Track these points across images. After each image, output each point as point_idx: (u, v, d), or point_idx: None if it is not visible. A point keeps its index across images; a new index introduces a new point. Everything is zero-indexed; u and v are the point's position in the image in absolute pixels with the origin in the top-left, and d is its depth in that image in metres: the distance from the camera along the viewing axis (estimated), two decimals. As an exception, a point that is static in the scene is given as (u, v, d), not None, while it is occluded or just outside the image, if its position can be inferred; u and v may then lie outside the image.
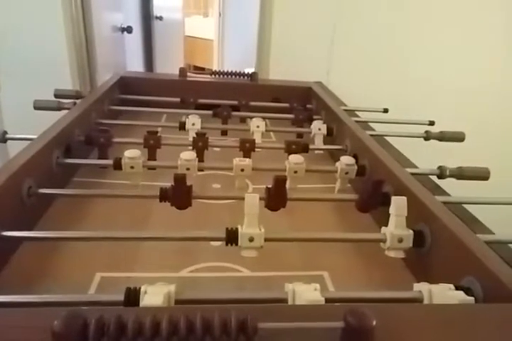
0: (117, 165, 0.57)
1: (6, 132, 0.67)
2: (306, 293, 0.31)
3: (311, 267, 0.45)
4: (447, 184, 0.63)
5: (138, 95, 0.94)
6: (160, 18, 2.77)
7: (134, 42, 2.44)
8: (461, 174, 0.60)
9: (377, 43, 1.67)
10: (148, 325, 0.23)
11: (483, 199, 0.53)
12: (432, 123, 0.86)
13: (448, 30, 1.40)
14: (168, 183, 0.48)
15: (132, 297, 0.31)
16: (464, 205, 0.53)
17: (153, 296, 0.30)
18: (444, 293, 0.32)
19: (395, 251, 0.42)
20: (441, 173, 0.60)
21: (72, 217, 0.52)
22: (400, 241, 0.42)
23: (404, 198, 0.43)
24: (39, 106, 0.80)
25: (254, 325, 0.24)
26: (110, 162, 0.58)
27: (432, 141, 0.78)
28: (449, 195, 0.57)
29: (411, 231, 0.42)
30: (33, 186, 0.49)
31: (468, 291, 0.33)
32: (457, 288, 0.33)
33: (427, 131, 0.78)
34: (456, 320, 0.27)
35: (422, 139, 0.78)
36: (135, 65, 2.48)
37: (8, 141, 0.67)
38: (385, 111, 0.95)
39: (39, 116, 0.83)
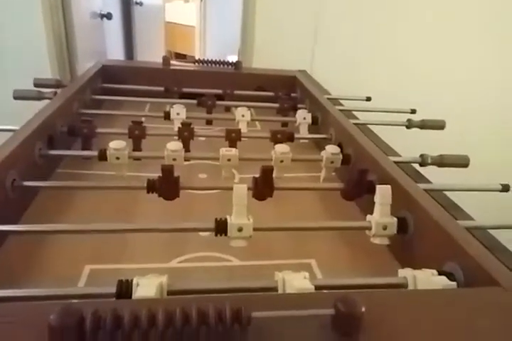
0: (102, 157, 0.56)
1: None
2: (296, 281, 0.32)
3: (299, 255, 0.46)
4: (429, 171, 0.65)
5: (121, 84, 0.93)
6: (140, 4, 2.71)
7: (113, 28, 2.39)
8: (442, 162, 0.61)
9: (361, 31, 1.67)
10: (144, 317, 0.23)
11: (464, 186, 0.55)
12: (413, 111, 0.87)
13: (434, 16, 1.41)
14: (154, 174, 0.48)
15: (124, 289, 0.31)
16: (445, 192, 0.55)
17: (146, 288, 0.30)
18: (427, 279, 0.33)
19: (380, 238, 0.43)
20: (423, 161, 0.62)
21: (57, 209, 0.52)
22: (385, 228, 0.43)
23: (389, 187, 0.44)
24: (19, 95, 0.78)
25: (248, 315, 0.24)
26: (94, 153, 0.57)
27: (413, 129, 0.79)
28: (430, 182, 0.59)
29: (395, 219, 0.43)
30: (17, 179, 0.48)
31: (450, 276, 0.34)
32: (440, 274, 0.34)
33: (409, 120, 0.80)
34: (440, 304, 0.29)
35: (404, 127, 0.80)
36: (115, 52, 2.43)
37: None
38: (368, 99, 0.96)
39: (19, 106, 0.81)
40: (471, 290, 0.32)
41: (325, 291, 0.32)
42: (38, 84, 0.84)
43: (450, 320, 0.27)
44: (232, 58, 1.08)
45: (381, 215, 0.43)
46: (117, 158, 0.57)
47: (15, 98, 0.78)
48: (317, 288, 0.32)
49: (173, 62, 1.01)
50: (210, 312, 0.24)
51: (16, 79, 0.92)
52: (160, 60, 1.01)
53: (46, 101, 0.70)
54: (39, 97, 0.77)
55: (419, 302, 0.28)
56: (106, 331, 0.23)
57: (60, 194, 0.55)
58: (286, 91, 0.94)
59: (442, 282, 0.33)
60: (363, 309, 0.25)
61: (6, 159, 0.47)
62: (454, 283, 0.33)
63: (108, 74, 0.95)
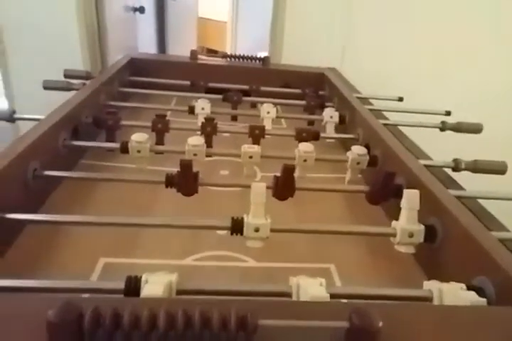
0: (124, 149, 0.56)
1: (14, 111, 0.67)
2: (311, 288, 0.30)
3: (317, 259, 0.44)
4: (462, 177, 0.61)
5: (148, 77, 0.93)
6: (173, -1, 2.72)
7: (146, 22, 2.41)
8: (477, 167, 0.58)
9: (395, 29, 1.62)
10: (145, 318, 0.22)
11: (500, 194, 0.51)
12: (448, 113, 0.83)
13: (471, 18, 1.35)
14: (175, 169, 0.47)
15: (133, 286, 0.30)
16: (480, 201, 0.51)
17: (154, 286, 0.29)
18: (455, 293, 0.31)
19: (405, 246, 0.41)
20: (456, 166, 0.58)
21: (77, 201, 0.52)
22: (411, 236, 0.40)
23: (417, 191, 0.41)
24: (48, 86, 0.79)
25: (254, 322, 0.23)
26: (117, 145, 0.57)
27: (447, 131, 0.75)
28: (463, 188, 0.55)
29: (422, 226, 0.40)
30: (39, 168, 0.48)
31: (480, 292, 0.32)
32: (469, 288, 0.32)
33: (443, 122, 0.76)
34: (468, 323, 0.26)
35: (437, 130, 0.76)
36: (147, 46, 2.45)
37: (20, 121, 0.67)
38: (400, 99, 0.93)
39: (49, 96, 0.82)
40: (504, 309, 0.30)
41: (340, 301, 0.30)
42: (68, 75, 0.85)
43: (478, 342, 0.25)
44: (263, 54, 1.06)
45: (407, 222, 0.40)
46: (139, 151, 0.56)
47: (45, 88, 0.79)
48: (333, 296, 0.30)
49: (200, 56, 1.00)
50: (214, 317, 0.23)
51: (48, 71, 0.93)
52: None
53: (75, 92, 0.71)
54: (68, 88, 0.78)
55: (444, 320, 0.26)
56: (105, 330, 0.22)
57: (81, 185, 0.55)
58: (314, 88, 0.92)
59: (471, 298, 0.30)
60: (380, 323, 0.23)
61: (27, 148, 0.47)
62: (484, 299, 0.30)
63: (136, 67, 0.95)
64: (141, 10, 2.14)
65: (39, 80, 0.78)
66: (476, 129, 0.75)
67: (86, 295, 0.32)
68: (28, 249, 0.42)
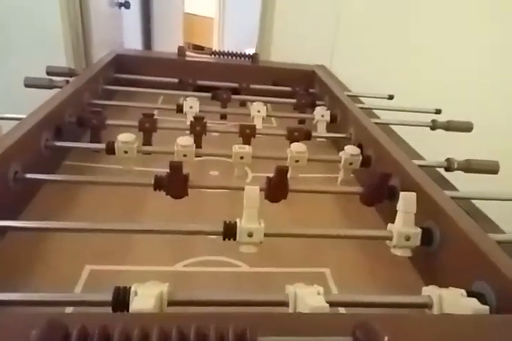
0: (110, 150, 0.54)
1: (-7, 111, 0.64)
2: (309, 299, 0.29)
3: (312, 263, 0.43)
4: (452, 176, 0.61)
5: (134, 74, 0.90)
6: (159, -6, 2.68)
7: (131, 18, 2.37)
8: (470, 167, 0.57)
9: (385, 26, 1.61)
10: (136, 338, 0.21)
11: (494, 194, 0.51)
12: (438, 111, 0.83)
13: (457, 17, 1.35)
14: (164, 169, 0.45)
15: (121, 298, 0.28)
16: (473, 201, 0.51)
17: (144, 298, 0.28)
18: (455, 300, 0.30)
19: (402, 250, 0.40)
20: (449, 166, 0.58)
21: (60, 205, 0.50)
22: (407, 239, 0.39)
23: (414, 194, 0.40)
24: (30, 83, 0.76)
25: (253, 339, 0.22)
26: (103, 146, 0.55)
27: (438, 130, 0.75)
28: (457, 189, 0.55)
29: (419, 229, 0.40)
30: (20, 171, 0.46)
31: (481, 297, 0.31)
32: (469, 294, 0.31)
33: (433, 120, 0.75)
34: (472, 333, 0.25)
35: (428, 128, 0.75)
36: (132, 42, 2.41)
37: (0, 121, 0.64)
38: (390, 97, 0.92)
39: (30, 94, 0.79)
40: (508, 317, 0.29)
41: (342, 313, 0.29)
42: (50, 72, 0.82)
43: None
44: (251, 51, 1.04)
45: (404, 224, 0.39)
46: (125, 152, 0.54)
47: (26, 86, 0.76)
48: (331, 304, 0.29)
49: (188, 53, 0.98)
50: (211, 334, 0.21)
51: (30, 68, 0.90)
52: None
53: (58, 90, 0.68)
54: (50, 86, 0.75)
55: (449, 331, 0.25)
56: (93, 352, 0.20)
57: (64, 188, 0.53)
58: (305, 86, 0.90)
59: (473, 305, 0.29)
60: (386, 339, 0.22)
61: (8, 149, 0.44)
62: (487, 307, 0.29)
63: (122, 64, 0.92)
64: (127, 5, 2.09)
65: (20, 77, 0.75)
66: (466, 128, 0.75)
67: (71, 309, 0.30)
68: (8, 257, 0.40)
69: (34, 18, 1.50)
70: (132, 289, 0.29)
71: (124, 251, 0.43)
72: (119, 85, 0.86)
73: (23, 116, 0.54)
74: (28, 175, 0.47)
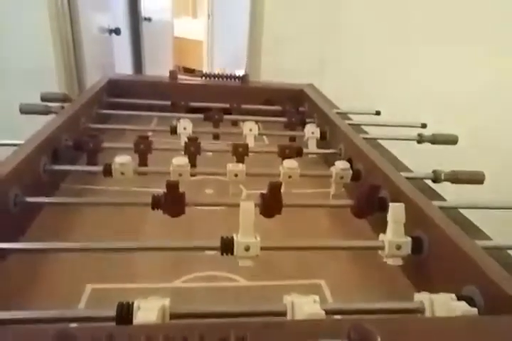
0: (107, 172, 0.56)
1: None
2: (306, 306, 0.30)
3: (308, 275, 0.44)
4: (440, 188, 0.63)
5: (127, 98, 0.92)
6: (149, 19, 2.75)
7: (122, 43, 2.42)
8: (456, 177, 0.60)
9: (370, 45, 1.67)
10: (143, 346, 0.22)
11: (480, 203, 0.53)
12: (424, 125, 0.86)
13: (443, 31, 1.41)
14: (160, 189, 0.47)
15: (125, 313, 0.30)
16: (461, 211, 0.53)
17: (147, 312, 0.29)
18: (446, 304, 0.31)
19: (393, 259, 0.41)
20: (436, 177, 0.60)
21: (61, 226, 0.51)
22: (398, 248, 0.41)
23: (403, 205, 0.42)
24: (25, 110, 0.77)
25: (254, 344, 0.23)
26: (100, 168, 0.56)
27: (425, 143, 0.78)
28: (444, 199, 0.57)
29: (409, 239, 0.41)
30: (20, 194, 0.47)
31: (470, 301, 0.32)
32: (459, 298, 0.32)
33: (419, 134, 0.78)
34: (462, 333, 0.27)
35: (414, 142, 0.78)
36: (124, 67, 2.45)
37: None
38: (377, 113, 0.95)
39: (24, 121, 0.81)
40: (495, 318, 0.30)
41: (337, 317, 0.30)
42: (45, 98, 0.83)
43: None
44: (240, 73, 1.07)
45: (394, 234, 0.41)
46: (122, 173, 0.56)
47: (21, 112, 0.78)
48: (328, 312, 0.30)
49: (180, 76, 1.01)
50: (215, 342, 0.23)
51: (22, 93, 0.92)
52: (168, 75, 1.01)
53: (53, 116, 0.70)
54: (46, 111, 0.77)
55: (439, 331, 0.26)
56: (102, 362, 0.21)
57: (64, 210, 0.54)
58: (294, 105, 0.93)
59: (462, 308, 0.31)
60: (379, 339, 0.23)
61: (9, 174, 0.46)
62: (475, 309, 0.31)
63: (114, 88, 0.95)
64: (117, 31, 2.14)
65: (13, 103, 0.77)
66: (451, 140, 0.78)
67: (74, 325, 0.31)
68: (10, 278, 0.41)
69: (27, 44, 1.53)
70: (135, 304, 0.30)
71: (124, 269, 0.44)
72: (113, 109, 0.88)
73: (19, 141, 0.56)
74: (29, 199, 0.48)
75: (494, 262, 0.35)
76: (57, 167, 0.58)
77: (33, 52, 1.55)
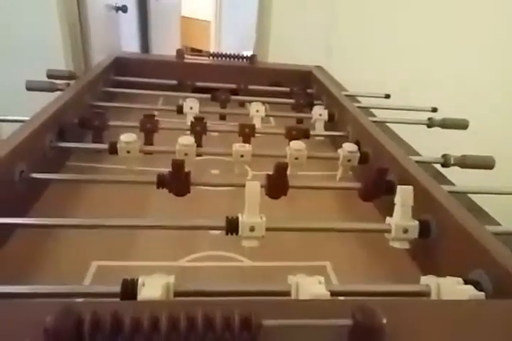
0: (113, 150, 0.55)
1: (-4, 113, 0.65)
2: (311, 287, 0.30)
3: (313, 257, 0.44)
4: (450, 172, 0.62)
5: (134, 77, 0.91)
6: (156, -2, 2.69)
7: (129, 22, 2.38)
8: (465, 162, 0.59)
9: (379, 27, 1.63)
10: (146, 321, 0.22)
11: (489, 188, 0.52)
12: (434, 109, 0.84)
13: (453, 15, 1.37)
14: (165, 169, 0.46)
15: (130, 289, 0.30)
16: (470, 196, 0.52)
17: (152, 288, 0.29)
18: (452, 288, 0.31)
19: (400, 242, 0.41)
20: (446, 162, 0.59)
21: (67, 203, 0.51)
22: (405, 231, 0.41)
23: (411, 187, 0.41)
24: (31, 86, 0.77)
25: (258, 322, 0.23)
26: (105, 146, 0.56)
27: (435, 128, 0.76)
28: (453, 184, 0.56)
29: (416, 222, 0.41)
30: (26, 170, 0.47)
31: (477, 285, 0.32)
32: (466, 282, 0.32)
33: (429, 118, 0.77)
34: (468, 317, 0.26)
35: (424, 126, 0.77)
36: (130, 45, 2.42)
37: (2, 123, 0.65)
38: (387, 96, 0.93)
39: (31, 97, 0.80)
40: (503, 302, 0.30)
41: (342, 298, 0.30)
42: (51, 75, 0.83)
43: (478, 336, 0.25)
44: (248, 54, 1.05)
45: (402, 218, 0.41)
46: (128, 152, 0.55)
47: (28, 89, 0.77)
48: (333, 293, 0.30)
49: (187, 55, 0.99)
50: (218, 318, 0.22)
51: (29, 71, 0.91)
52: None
53: (59, 93, 0.69)
54: (52, 89, 0.76)
55: (444, 314, 0.26)
56: (105, 335, 0.21)
57: (69, 187, 0.54)
58: (302, 86, 0.92)
59: (469, 292, 0.30)
60: (384, 320, 0.23)
61: (14, 150, 0.45)
62: (482, 293, 0.30)
63: (121, 67, 0.93)
64: (124, 9, 2.10)
65: (21, 80, 0.76)
66: (462, 125, 0.76)
67: (80, 300, 0.31)
68: (17, 254, 0.41)
69: (33, 22, 1.52)
70: (140, 281, 0.30)
71: (130, 246, 0.44)
72: (119, 87, 0.87)
73: (25, 118, 0.55)
74: (34, 175, 0.48)
75: (503, 246, 0.35)
76: (63, 144, 0.57)
77: (39, 29, 1.53)
